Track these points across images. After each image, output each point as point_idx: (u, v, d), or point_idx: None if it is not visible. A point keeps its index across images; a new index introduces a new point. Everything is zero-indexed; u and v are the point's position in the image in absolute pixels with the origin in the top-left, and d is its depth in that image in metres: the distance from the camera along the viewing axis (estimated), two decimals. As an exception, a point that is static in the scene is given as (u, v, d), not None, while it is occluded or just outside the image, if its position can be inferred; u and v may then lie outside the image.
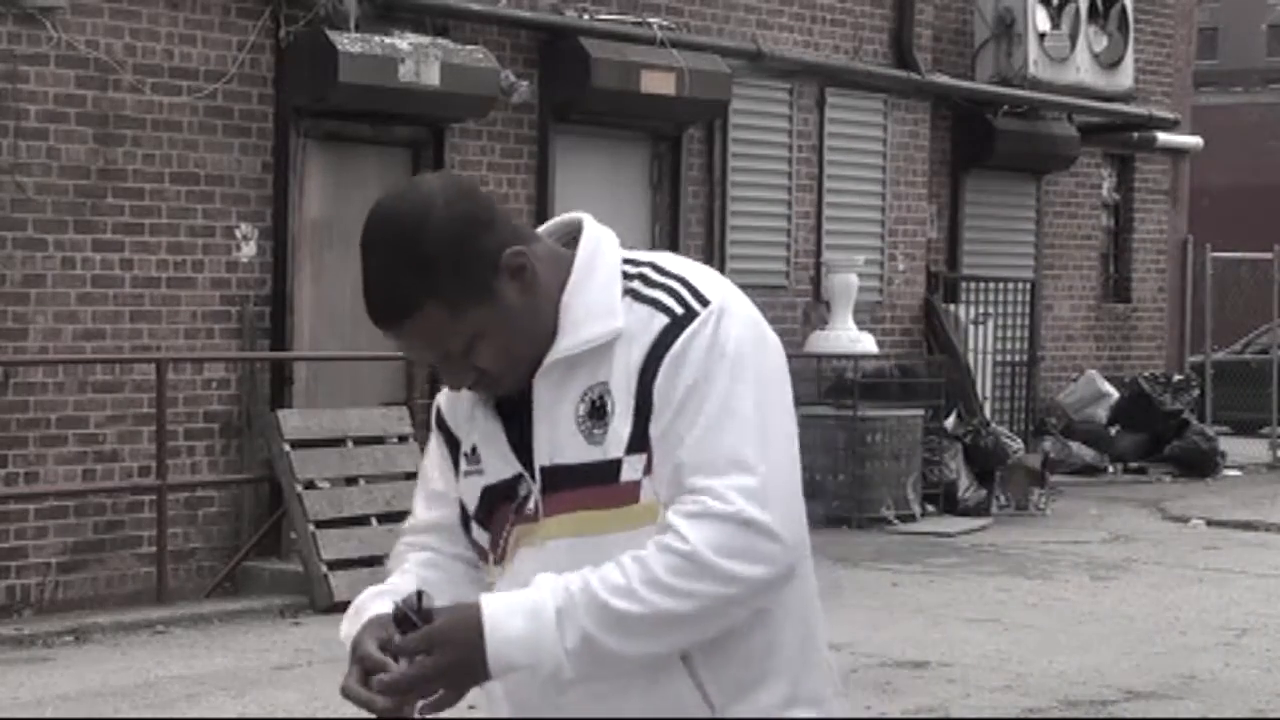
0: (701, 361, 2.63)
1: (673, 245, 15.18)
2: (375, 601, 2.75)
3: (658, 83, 14.20)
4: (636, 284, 2.71)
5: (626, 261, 2.75)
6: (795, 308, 16.15)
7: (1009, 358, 18.22)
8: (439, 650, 2.58)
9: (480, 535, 2.81)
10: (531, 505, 2.72)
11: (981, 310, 17.87)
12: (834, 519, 14.76)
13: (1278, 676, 9.69)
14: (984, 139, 18.15)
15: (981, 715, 8.74)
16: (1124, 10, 18.66)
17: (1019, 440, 16.80)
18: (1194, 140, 21.54)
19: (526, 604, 2.58)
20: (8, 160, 11.19)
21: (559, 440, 2.69)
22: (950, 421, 16.04)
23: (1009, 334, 18.23)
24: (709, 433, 2.61)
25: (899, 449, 15.15)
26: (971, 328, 17.63)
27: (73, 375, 11.48)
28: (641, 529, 2.62)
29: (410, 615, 2.59)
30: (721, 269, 15.49)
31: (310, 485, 11.48)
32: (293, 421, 11.66)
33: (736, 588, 2.58)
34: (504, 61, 13.45)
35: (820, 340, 15.80)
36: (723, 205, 15.55)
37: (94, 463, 11.60)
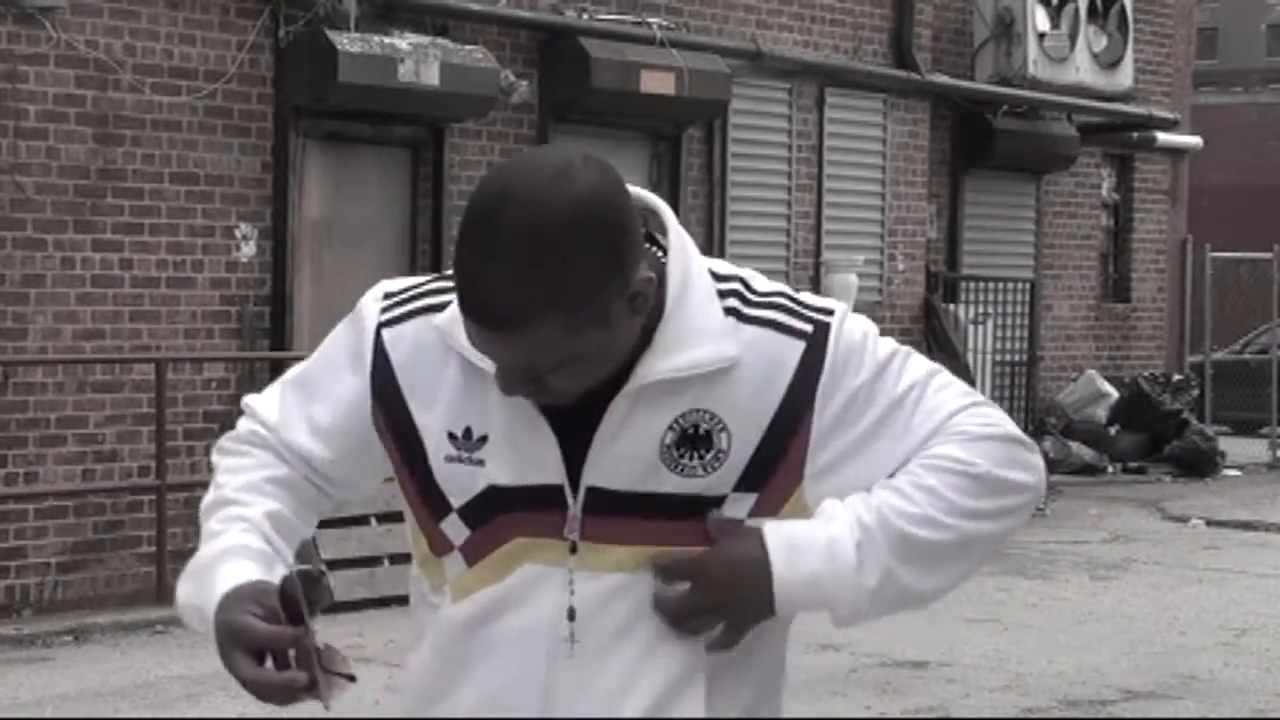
0: (868, 365, 2.52)
1: (672, 245, 15.17)
2: (226, 565, 2.41)
3: (657, 83, 14.20)
4: (734, 302, 2.48)
5: (709, 272, 2.50)
6: (795, 308, 16.13)
7: (1009, 357, 18.22)
8: (716, 587, 2.37)
9: (455, 529, 2.44)
10: (568, 524, 2.40)
11: (981, 310, 17.87)
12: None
13: (1277, 676, 9.70)
14: (984, 139, 18.15)
15: (981, 715, 8.75)
16: (1123, 10, 18.66)
17: (1019, 440, 16.76)
18: (1194, 140, 21.55)
19: (821, 540, 2.36)
20: (7, 160, 11.19)
21: (638, 463, 2.38)
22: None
23: (1009, 334, 18.23)
24: (921, 404, 2.48)
25: (899, 449, 15.13)
26: (971, 327, 17.63)
27: (72, 375, 11.48)
28: None
29: (300, 602, 2.32)
30: (721, 269, 15.52)
31: (310, 485, 11.46)
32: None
33: (1024, 497, 2.47)
34: (504, 61, 13.46)
35: (820, 340, 15.78)
36: (722, 205, 15.55)
37: (93, 463, 11.60)
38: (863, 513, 2.38)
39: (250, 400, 2.61)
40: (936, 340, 17.26)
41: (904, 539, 2.38)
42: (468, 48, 13.08)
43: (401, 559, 11.54)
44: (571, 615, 2.40)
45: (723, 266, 2.54)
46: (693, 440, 2.39)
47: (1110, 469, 19.26)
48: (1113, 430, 19.40)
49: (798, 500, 2.43)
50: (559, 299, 2.24)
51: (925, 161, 17.51)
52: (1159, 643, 10.48)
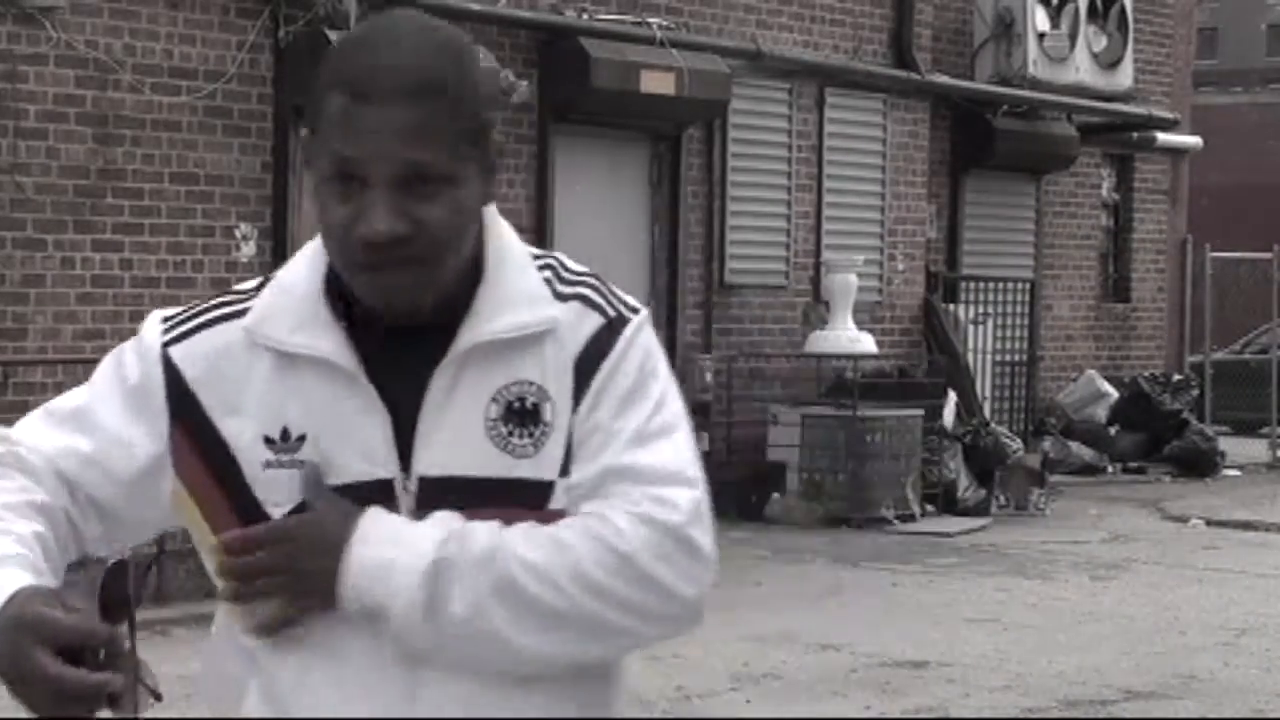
0: (638, 372, 2.29)
1: (672, 245, 15.19)
2: (7, 570, 2.18)
3: (657, 82, 14.20)
4: (549, 275, 2.33)
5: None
6: (795, 308, 16.15)
7: (1009, 357, 18.23)
8: (288, 547, 2.20)
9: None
10: None
11: (981, 310, 17.88)
12: (834, 519, 14.76)
13: (1277, 676, 9.70)
14: (983, 139, 18.15)
15: (981, 715, 8.75)
16: (1123, 10, 18.66)
17: (1018, 440, 16.80)
18: (1193, 140, 21.55)
19: (414, 534, 2.19)
20: (7, 160, 11.19)
21: (467, 446, 2.24)
22: (948, 414, 16.02)
23: (1008, 334, 18.23)
24: (650, 442, 2.27)
25: (898, 449, 15.15)
26: (971, 327, 17.63)
27: (72, 375, 11.45)
28: None
29: (128, 595, 2.20)
30: (721, 269, 15.53)
31: (310, 485, 11.47)
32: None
33: (667, 606, 2.28)
34: (503, 61, 13.45)
35: (820, 340, 15.81)
36: (722, 205, 15.55)
37: (93, 463, 11.58)
38: (482, 537, 2.19)
39: (11, 431, 2.37)
40: (936, 340, 17.26)
41: (510, 582, 2.18)
42: (468, 48, 13.07)
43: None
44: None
45: (533, 249, 2.39)
46: (521, 416, 2.25)
47: (1110, 469, 19.26)
48: (1113, 430, 19.40)
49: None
50: (457, 81, 2.21)
51: (925, 161, 17.51)
52: (1159, 643, 10.48)
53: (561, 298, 2.31)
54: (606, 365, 2.28)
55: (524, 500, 2.23)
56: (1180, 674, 9.64)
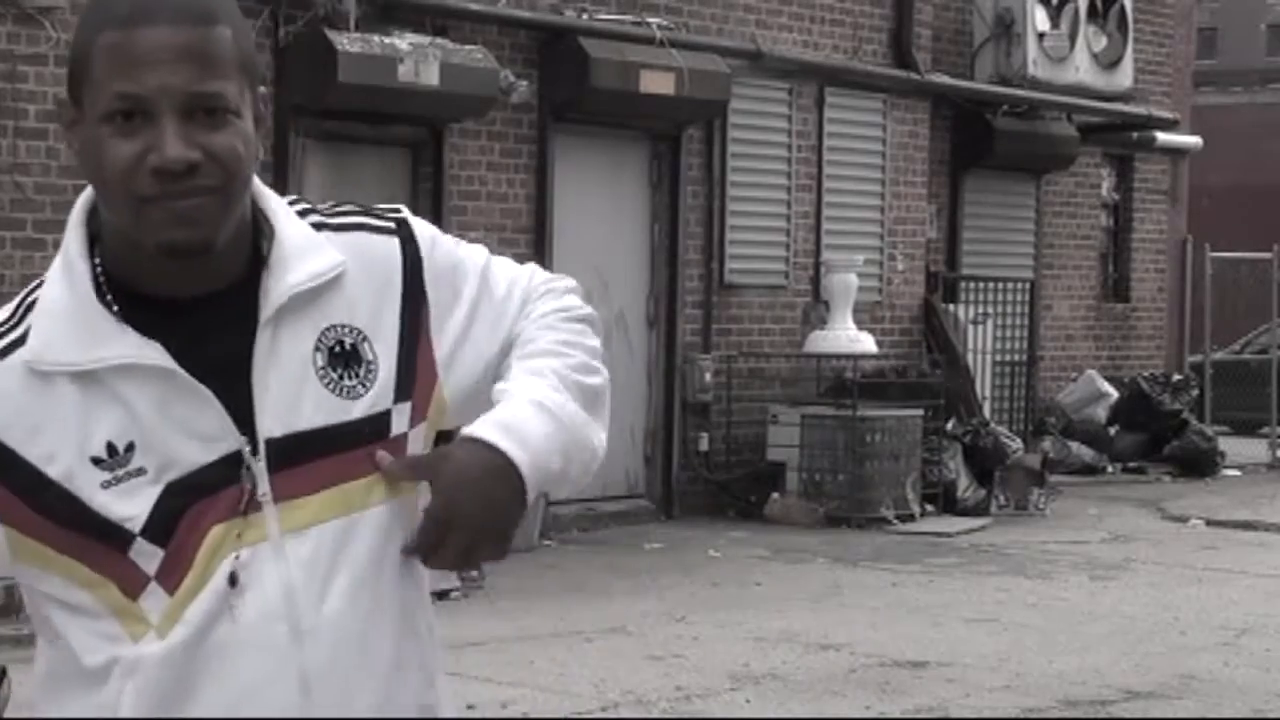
0: (445, 247, 2.40)
1: (672, 244, 15.19)
2: None
3: (657, 82, 14.20)
4: (315, 218, 2.35)
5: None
6: (795, 307, 16.15)
7: (1009, 357, 18.23)
8: (465, 509, 2.21)
9: (145, 556, 2.20)
10: (260, 492, 2.22)
11: (981, 310, 17.88)
12: (834, 519, 14.77)
13: (1277, 676, 9.69)
14: (983, 139, 18.15)
15: (981, 715, 8.74)
16: (1123, 10, 18.66)
17: (1018, 440, 16.79)
18: (1193, 140, 21.54)
19: (526, 407, 2.27)
20: (7, 160, 11.19)
21: (299, 400, 2.24)
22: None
23: (1008, 334, 18.24)
24: (503, 269, 2.42)
25: (898, 449, 15.15)
26: (971, 327, 17.64)
27: (72, 375, 11.48)
28: (403, 496, 2.29)
29: None
30: (721, 269, 15.54)
31: (310, 485, 11.46)
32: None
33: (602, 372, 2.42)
34: (503, 61, 13.45)
35: (819, 340, 15.81)
36: (722, 205, 15.55)
37: (93, 463, 11.59)
38: (545, 373, 2.31)
39: None
40: (937, 340, 17.26)
41: (580, 389, 2.33)
42: (467, 48, 13.08)
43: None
44: (290, 590, 2.22)
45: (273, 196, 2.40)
46: (345, 359, 2.28)
47: (1110, 469, 19.26)
48: (1112, 430, 19.40)
49: (439, 398, 2.35)
50: (228, 14, 2.21)
51: (925, 161, 17.51)
52: (1159, 643, 10.47)
53: (336, 230, 2.33)
54: (429, 272, 2.35)
55: (367, 438, 2.26)
56: (1180, 674, 9.64)
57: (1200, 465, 19.42)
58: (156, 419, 2.21)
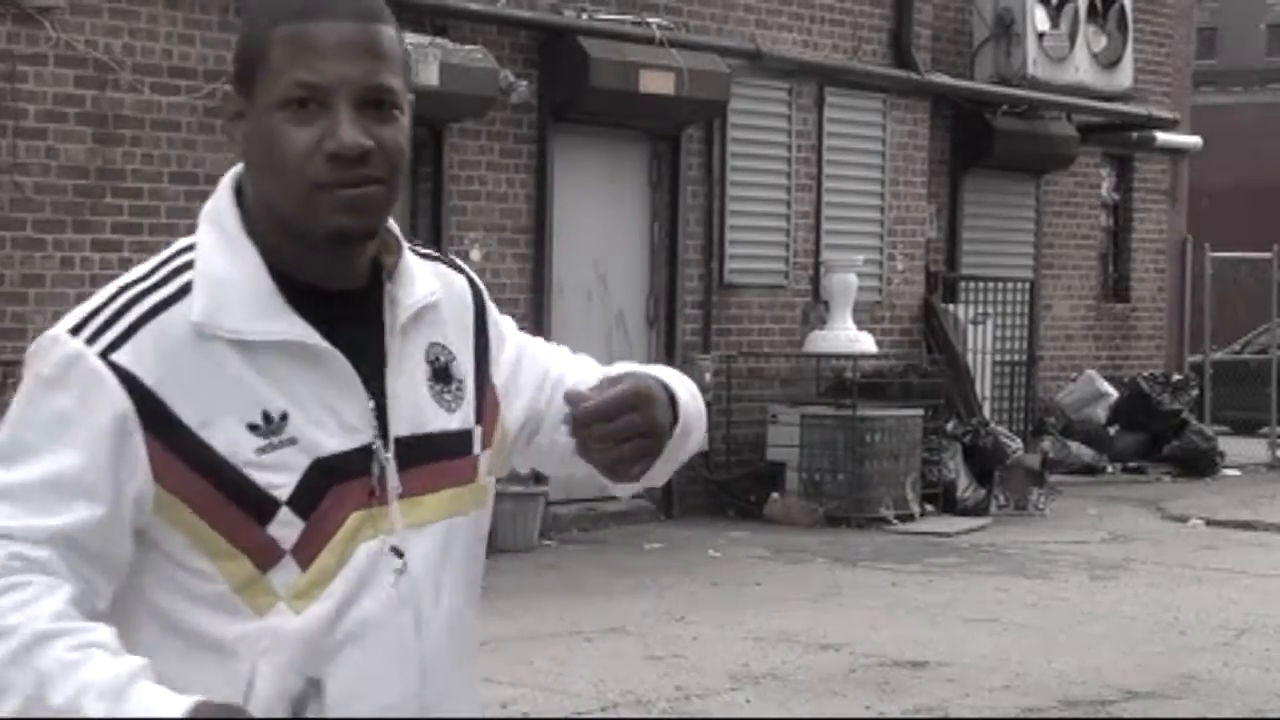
0: (492, 304, 2.56)
1: (672, 244, 15.19)
2: (149, 686, 2.11)
3: (657, 82, 14.20)
4: (406, 243, 2.47)
5: None
6: (794, 307, 16.15)
7: (1008, 357, 18.23)
8: (649, 412, 2.36)
9: (286, 527, 2.26)
10: (390, 486, 2.32)
11: (981, 310, 17.88)
12: (834, 519, 14.77)
13: (1276, 676, 9.69)
14: (983, 139, 18.15)
15: (981, 715, 8.74)
16: (1123, 10, 18.66)
17: (1018, 440, 16.79)
18: (1193, 140, 21.54)
19: (691, 388, 2.56)
20: (7, 160, 11.19)
21: (420, 406, 2.36)
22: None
23: (1008, 334, 18.24)
24: (561, 360, 2.58)
25: (898, 449, 15.15)
26: (971, 327, 17.63)
27: (72, 375, 11.47)
28: (484, 509, 2.45)
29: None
30: (721, 268, 15.53)
31: (309, 485, 11.46)
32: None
33: None
34: (503, 61, 13.45)
35: (819, 340, 15.81)
36: (722, 205, 15.55)
37: (93, 462, 11.58)
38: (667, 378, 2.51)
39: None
40: (936, 340, 17.26)
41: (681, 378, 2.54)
42: (467, 47, 13.08)
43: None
44: (410, 584, 2.32)
45: None
46: (444, 375, 2.40)
47: (1110, 469, 19.26)
48: (1112, 430, 19.39)
49: (502, 427, 2.48)
50: (390, 18, 2.32)
51: (925, 161, 17.51)
52: (1159, 643, 10.47)
53: (425, 259, 2.47)
54: (490, 312, 2.52)
55: (460, 450, 2.40)
56: (1180, 674, 9.64)
57: (1200, 465, 19.41)
58: (309, 399, 2.28)
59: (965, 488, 15.83)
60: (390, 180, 2.30)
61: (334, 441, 2.28)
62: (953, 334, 17.37)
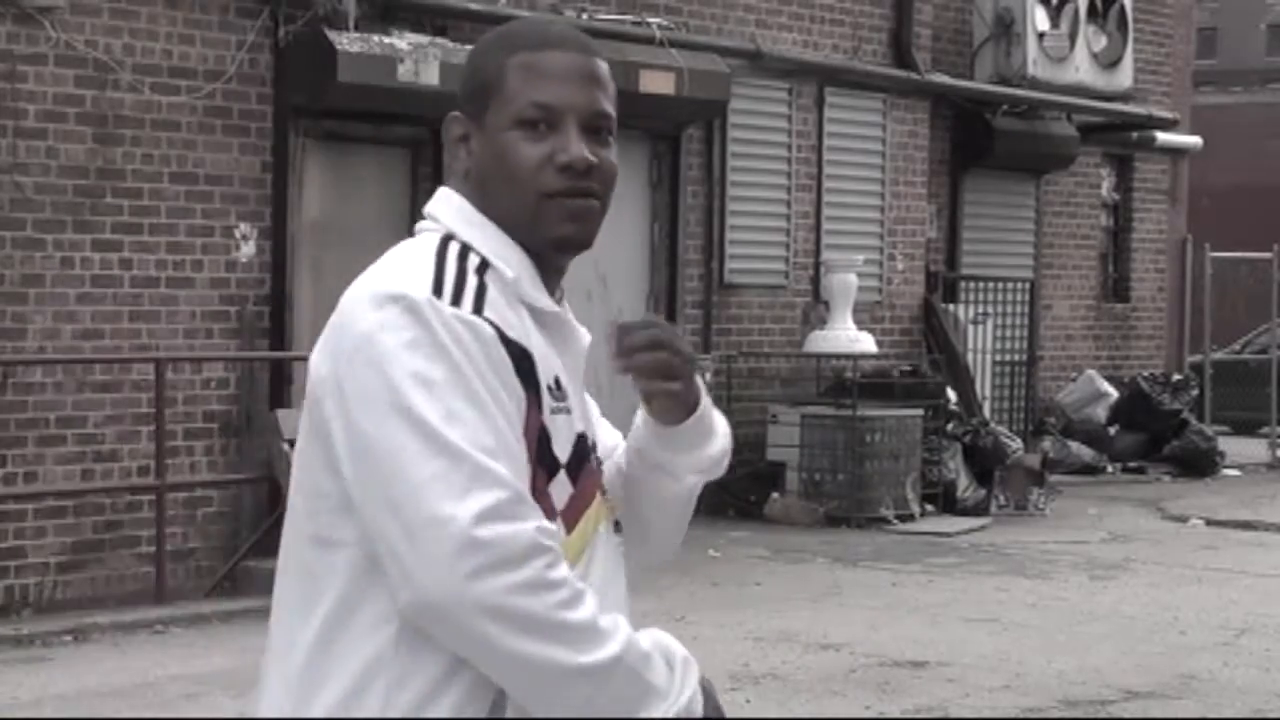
0: None
1: (672, 245, 15.19)
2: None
3: (657, 82, 14.20)
4: None
5: None
6: (795, 307, 16.15)
7: (1008, 357, 18.23)
8: (681, 347, 2.55)
9: (561, 489, 2.43)
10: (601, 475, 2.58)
11: (981, 310, 17.88)
12: (834, 519, 14.77)
13: (1276, 676, 9.69)
14: (983, 139, 18.15)
15: (981, 715, 8.74)
16: (1123, 10, 18.65)
17: (1018, 440, 16.79)
18: (1193, 140, 21.54)
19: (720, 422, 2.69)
20: (7, 160, 11.18)
21: (587, 407, 2.60)
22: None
23: (1008, 334, 18.24)
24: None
25: (898, 449, 15.15)
26: (971, 327, 17.64)
27: (71, 375, 11.47)
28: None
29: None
30: (721, 269, 15.53)
31: (309, 485, 11.46)
32: (292, 421, 11.65)
33: None
34: (503, 61, 13.43)
35: (819, 340, 15.81)
36: (722, 205, 15.55)
37: (93, 462, 11.59)
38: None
39: (520, 522, 2.31)
40: (936, 340, 17.26)
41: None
42: (467, 47, 13.04)
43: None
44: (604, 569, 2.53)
45: None
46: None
47: (1110, 469, 19.26)
48: (1112, 430, 19.39)
49: None
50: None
51: (925, 161, 17.51)
52: (1159, 643, 10.47)
53: None
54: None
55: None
56: (1179, 674, 9.64)
57: (1200, 465, 19.41)
58: (572, 377, 2.51)
59: (965, 488, 15.83)
60: (605, 198, 2.52)
61: (584, 421, 2.52)
62: (953, 334, 17.37)
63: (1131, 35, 18.84)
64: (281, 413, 11.76)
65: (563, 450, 2.42)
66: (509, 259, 2.46)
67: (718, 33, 15.36)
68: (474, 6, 13.42)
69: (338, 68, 12.13)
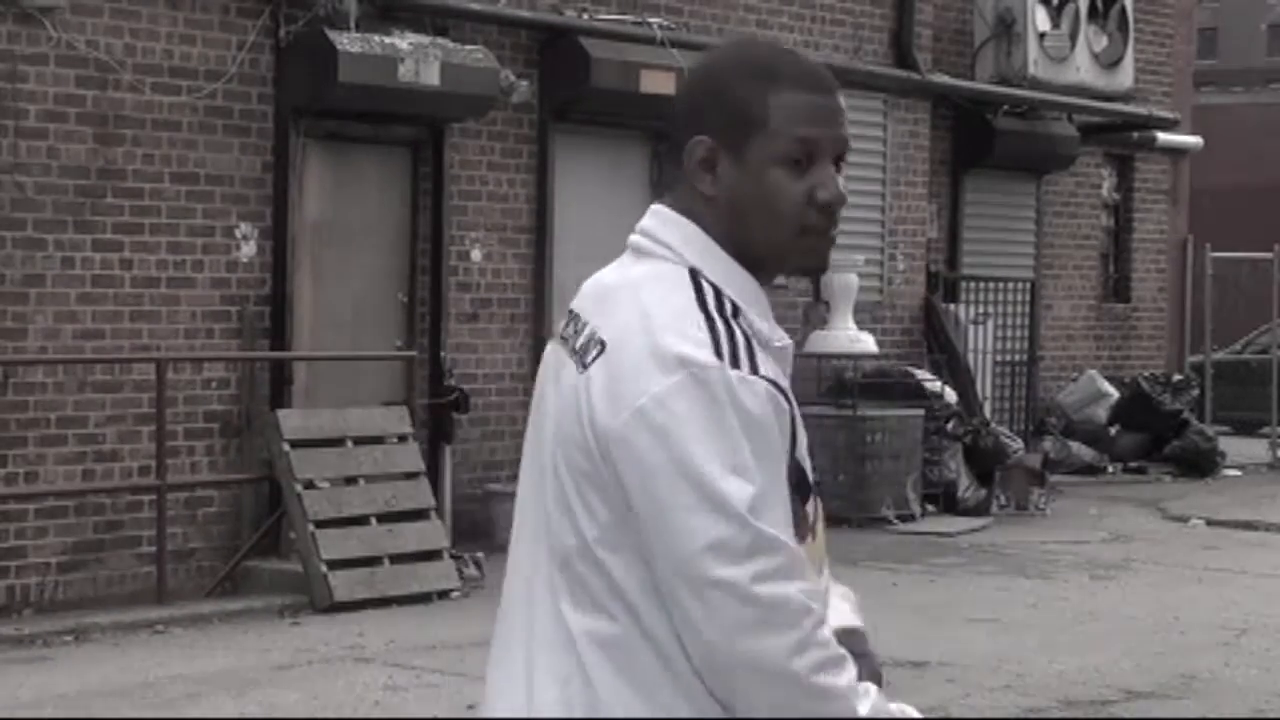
0: None
1: (672, 245, 15.17)
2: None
3: (657, 82, 14.19)
4: None
5: None
6: (795, 307, 16.14)
7: (1009, 357, 18.22)
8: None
9: (813, 510, 2.70)
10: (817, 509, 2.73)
11: (981, 310, 17.87)
12: (834, 519, 14.74)
13: (1277, 676, 9.69)
14: (984, 139, 18.15)
15: (981, 715, 8.74)
16: (1124, 10, 18.65)
17: (1019, 440, 16.79)
18: (1194, 140, 21.54)
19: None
20: (8, 160, 11.18)
21: None
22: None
23: (1009, 334, 18.23)
24: None
25: (899, 449, 15.15)
26: (971, 327, 17.63)
27: (72, 375, 11.48)
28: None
29: None
30: (721, 269, 15.53)
31: (310, 485, 11.48)
32: (292, 421, 11.66)
33: None
34: (504, 61, 13.45)
35: (820, 340, 15.81)
36: (722, 205, 15.52)
37: (94, 462, 11.59)
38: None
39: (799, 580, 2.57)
40: (936, 340, 17.26)
41: None
42: (468, 48, 13.08)
43: (401, 559, 11.55)
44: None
45: None
46: None
47: (1110, 469, 19.26)
48: (1113, 430, 19.39)
49: None
50: None
51: (925, 161, 17.51)
52: (1159, 643, 10.47)
53: None
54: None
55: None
56: (1180, 674, 9.64)
57: (1201, 465, 19.42)
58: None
59: (966, 488, 15.83)
60: (839, 209, 2.67)
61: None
62: (953, 334, 17.37)
63: (1132, 35, 18.83)
64: (282, 413, 11.76)
65: (810, 475, 2.66)
66: (748, 296, 2.64)
67: (718, 33, 15.35)
68: (474, 6, 13.42)
69: (338, 68, 12.13)
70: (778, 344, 2.64)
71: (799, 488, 2.59)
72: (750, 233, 2.64)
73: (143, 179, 11.80)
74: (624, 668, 2.54)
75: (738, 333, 2.56)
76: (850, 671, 2.59)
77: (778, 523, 2.52)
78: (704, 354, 2.51)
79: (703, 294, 2.61)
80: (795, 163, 2.62)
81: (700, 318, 2.56)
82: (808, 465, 2.64)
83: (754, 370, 2.53)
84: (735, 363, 2.52)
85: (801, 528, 2.59)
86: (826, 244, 2.67)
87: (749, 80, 2.65)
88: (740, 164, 2.63)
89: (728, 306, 2.59)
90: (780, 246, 2.64)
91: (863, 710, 2.62)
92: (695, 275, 2.63)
